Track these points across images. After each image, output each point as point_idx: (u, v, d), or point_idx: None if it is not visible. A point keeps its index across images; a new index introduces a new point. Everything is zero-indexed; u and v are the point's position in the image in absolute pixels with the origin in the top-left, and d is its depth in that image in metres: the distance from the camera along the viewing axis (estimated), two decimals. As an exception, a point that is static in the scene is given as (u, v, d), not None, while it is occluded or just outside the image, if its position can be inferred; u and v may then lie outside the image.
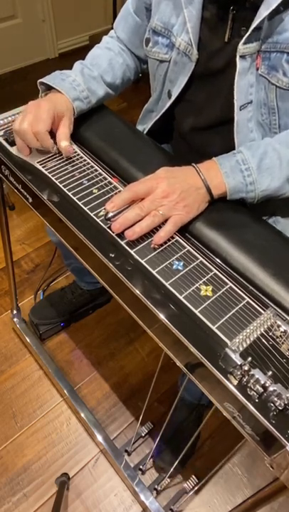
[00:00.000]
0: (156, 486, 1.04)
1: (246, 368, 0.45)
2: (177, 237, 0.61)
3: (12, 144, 0.75)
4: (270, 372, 0.46)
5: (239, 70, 0.67)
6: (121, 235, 0.60)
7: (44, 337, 1.38)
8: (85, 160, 0.73)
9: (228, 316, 0.52)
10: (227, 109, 0.71)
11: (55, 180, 0.68)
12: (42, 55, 2.78)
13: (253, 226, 0.63)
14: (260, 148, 0.64)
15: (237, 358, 0.46)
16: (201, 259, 0.58)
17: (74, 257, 0.67)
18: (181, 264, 0.57)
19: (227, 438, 1.17)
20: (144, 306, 0.53)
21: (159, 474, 1.09)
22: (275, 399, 0.44)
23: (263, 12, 0.60)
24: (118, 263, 0.57)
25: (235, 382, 0.45)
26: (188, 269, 0.57)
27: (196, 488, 1.04)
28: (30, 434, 1.19)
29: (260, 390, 0.44)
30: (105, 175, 0.70)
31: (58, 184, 0.68)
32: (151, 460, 1.11)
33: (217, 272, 0.57)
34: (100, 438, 1.12)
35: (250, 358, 0.47)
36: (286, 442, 0.42)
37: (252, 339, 0.49)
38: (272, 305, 0.54)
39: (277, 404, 0.43)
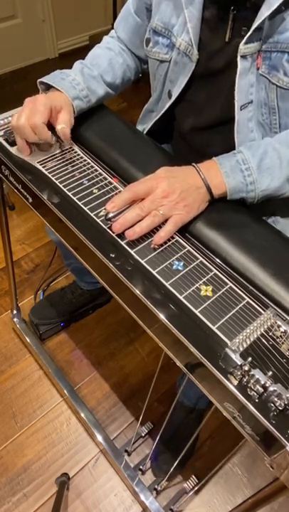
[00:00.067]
0: (156, 486, 1.04)
1: (246, 368, 0.45)
2: (177, 237, 0.61)
3: (12, 144, 0.74)
4: (270, 373, 0.46)
5: (240, 70, 0.67)
6: (121, 235, 0.60)
7: (44, 337, 1.38)
8: (85, 160, 0.73)
9: (228, 316, 0.52)
10: (227, 108, 0.71)
11: (55, 181, 0.68)
12: (42, 55, 2.78)
13: (253, 226, 0.63)
14: (260, 148, 0.64)
15: (237, 358, 0.46)
16: (201, 259, 0.58)
17: (74, 257, 0.66)
18: (181, 264, 0.57)
19: (227, 438, 1.17)
20: (144, 306, 0.53)
21: (157, 478, 1.09)
22: (275, 399, 0.44)
23: (264, 12, 0.60)
24: (118, 263, 0.57)
25: (236, 382, 0.45)
26: (188, 269, 0.57)
27: (196, 488, 1.04)
28: (30, 434, 1.19)
29: (261, 390, 0.44)
30: (105, 175, 0.70)
31: (58, 184, 0.68)
32: (150, 463, 1.11)
33: (217, 272, 0.57)
34: (100, 438, 1.12)
35: (250, 358, 0.47)
36: (286, 442, 0.41)
37: (252, 339, 0.49)
38: (273, 305, 0.54)
39: (277, 404, 0.43)
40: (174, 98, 0.80)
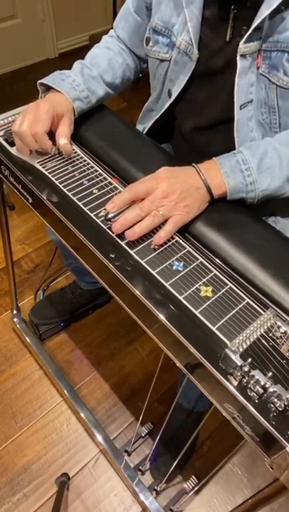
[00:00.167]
0: (156, 486, 1.04)
1: (246, 368, 0.45)
2: (177, 238, 0.61)
3: (12, 144, 0.74)
4: (270, 373, 0.46)
5: (240, 69, 0.67)
6: (121, 236, 0.60)
7: (44, 337, 1.38)
8: (85, 160, 0.73)
9: (228, 316, 0.52)
10: (227, 108, 0.71)
11: (55, 181, 0.68)
12: (42, 55, 2.78)
13: (253, 226, 0.63)
14: (260, 148, 0.63)
15: (237, 359, 0.46)
16: (201, 259, 0.58)
17: (74, 257, 0.66)
18: (181, 264, 0.57)
19: (227, 438, 1.17)
20: (144, 307, 0.53)
21: (155, 480, 1.09)
22: (275, 400, 0.44)
23: (264, 11, 0.60)
24: (118, 263, 0.57)
25: (235, 383, 0.45)
26: (188, 269, 0.57)
27: (196, 488, 1.04)
28: (30, 434, 1.19)
29: (260, 390, 0.44)
30: (105, 175, 0.70)
31: (58, 184, 0.68)
32: (149, 465, 1.11)
33: (217, 273, 0.57)
34: (99, 438, 1.12)
35: (250, 359, 0.47)
36: (286, 443, 0.41)
37: (252, 340, 0.49)
38: (273, 306, 0.53)
39: (277, 405, 0.43)
40: (173, 97, 0.80)
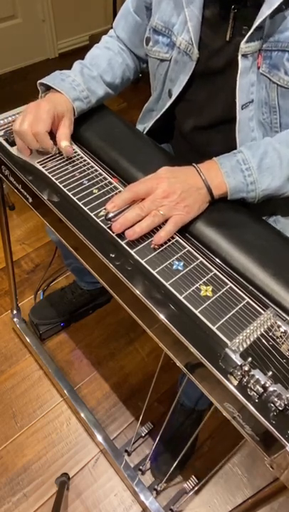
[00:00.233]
0: (156, 486, 1.04)
1: (246, 368, 0.45)
2: (177, 238, 0.61)
3: (12, 144, 0.75)
4: (270, 373, 0.46)
5: (241, 69, 0.67)
6: (121, 235, 0.60)
7: (44, 337, 1.38)
8: (85, 160, 0.73)
9: (228, 316, 0.52)
10: (228, 108, 0.71)
11: (55, 181, 0.68)
12: (42, 55, 2.78)
13: (253, 226, 0.63)
14: (260, 148, 0.64)
15: (237, 359, 0.46)
16: (201, 259, 0.58)
17: (74, 257, 0.66)
18: (181, 264, 0.57)
19: (227, 438, 1.17)
20: (144, 306, 0.53)
21: (156, 479, 1.09)
22: (275, 399, 0.44)
23: (265, 11, 0.60)
24: (118, 263, 0.57)
25: (236, 382, 0.45)
26: (188, 269, 0.57)
27: (196, 488, 1.04)
28: (30, 434, 1.19)
29: (260, 390, 0.44)
30: (105, 175, 0.70)
31: (58, 184, 0.68)
32: (150, 464, 1.11)
33: (217, 272, 0.57)
34: (100, 438, 1.12)
35: (250, 359, 0.47)
36: (286, 442, 0.41)
37: (252, 339, 0.49)
38: (273, 305, 0.54)
39: (277, 404, 0.43)
40: (174, 97, 0.80)
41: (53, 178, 0.69)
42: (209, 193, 0.62)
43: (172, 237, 0.60)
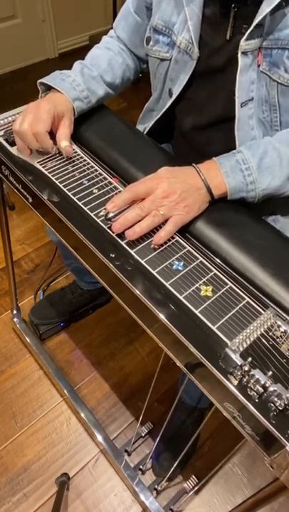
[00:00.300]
0: (156, 486, 1.04)
1: (246, 368, 0.45)
2: (177, 237, 0.61)
3: (12, 144, 0.75)
4: (270, 373, 0.46)
5: (241, 67, 0.67)
6: (121, 235, 0.60)
7: (44, 337, 1.38)
8: (85, 160, 0.73)
9: (228, 316, 0.52)
10: (228, 106, 0.71)
11: (55, 181, 0.68)
12: (42, 55, 2.78)
13: (253, 226, 0.63)
14: (260, 148, 0.64)
15: (237, 358, 0.46)
16: (201, 259, 0.58)
17: (74, 257, 0.66)
18: (181, 264, 0.57)
19: (227, 438, 1.17)
20: (144, 306, 0.53)
21: (157, 478, 1.09)
22: (275, 399, 0.44)
23: (265, 8, 0.60)
24: (118, 263, 0.57)
25: (236, 382, 0.45)
26: (188, 269, 0.57)
27: (196, 488, 1.04)
28: (30, 434, 1.19)
29: (261, 390, 0.44)
30: (105, 175, 0.70)
31: (58, 184, 0.68)
32: (151, 461, 1.11)
33: (217, 272, 0.57)
34: (100, 438, 1.12)
35: (250, 358, 0.47)
36: (286, 442, 0.41)
37: (252, 339, 0.49)
38: (273, 305, 0.54)
39: (277, 404, 0.43)
40: (174, 97, 0.80)
41: (52, 178, 0.69)
42: (209, 193, 0.62)
43: (172, 237, 0.60)
